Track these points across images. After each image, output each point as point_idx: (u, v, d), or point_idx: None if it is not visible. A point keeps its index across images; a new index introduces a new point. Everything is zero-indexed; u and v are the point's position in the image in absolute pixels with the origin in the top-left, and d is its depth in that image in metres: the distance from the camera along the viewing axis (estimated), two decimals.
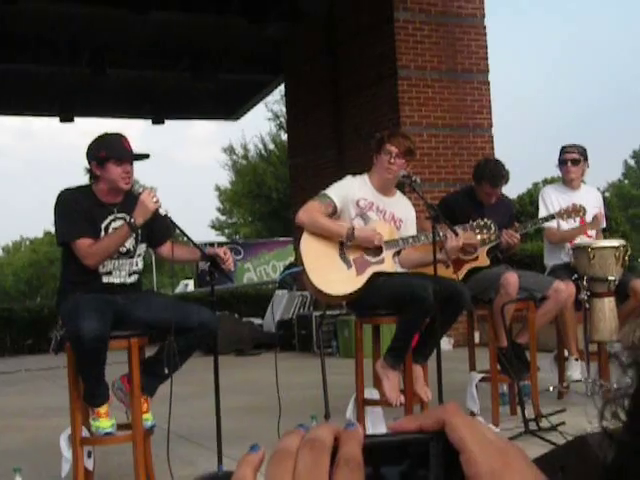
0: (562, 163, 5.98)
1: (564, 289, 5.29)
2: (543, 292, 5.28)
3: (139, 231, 4.15)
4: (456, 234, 4.52)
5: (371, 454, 0.55)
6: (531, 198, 25.29)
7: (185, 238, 4.28)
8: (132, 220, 3.91)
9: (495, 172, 5.37)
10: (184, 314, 3.95)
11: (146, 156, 4.17)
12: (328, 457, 0.54)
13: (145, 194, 3.92)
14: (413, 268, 4.80)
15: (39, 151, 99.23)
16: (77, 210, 4.06)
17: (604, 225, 6.17)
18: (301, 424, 0.59)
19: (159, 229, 4.26)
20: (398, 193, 4.81)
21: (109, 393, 3.98)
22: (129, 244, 4.13)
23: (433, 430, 0.56)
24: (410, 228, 4.78)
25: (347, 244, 4.51)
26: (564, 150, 5.99)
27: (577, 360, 5.54)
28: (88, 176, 4.15)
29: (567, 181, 6.00)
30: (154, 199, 3.91)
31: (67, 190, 4.17)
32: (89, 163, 4.09)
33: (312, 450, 0.54)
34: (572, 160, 5.93)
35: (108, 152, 4.01)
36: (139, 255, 4.22)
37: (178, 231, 4.21)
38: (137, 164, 4.15)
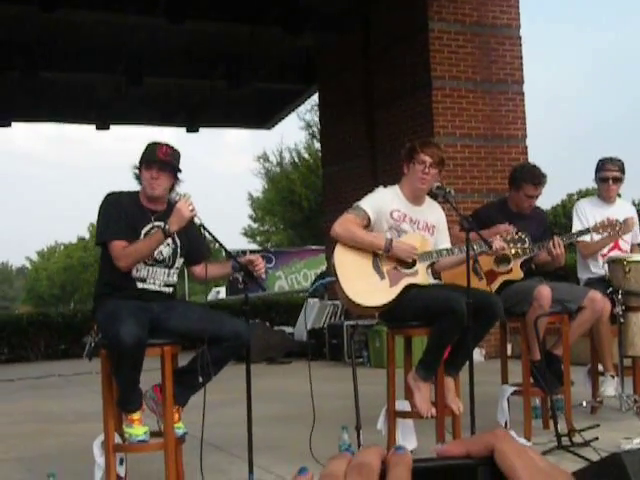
0: (603, 180, 5.86)
1: (600, 298, 5.22)
2: (578, 303, 5.23)
3: (179, 244, 4.20)
4: (490, 247, 4.50)
5: (420, 478, 0.54)
6: (565, 210, 25.11)
7: (218, 245, 4.31)
8: (167, 227, 3.95)
9: (535, 171, 5.35)
10: (218, 324, 3.98)
11: (171, 166, 4.15)
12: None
13: (182, 202, 3.96)
14: (451, 268, 4.78)
15: (74, 157, 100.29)
16: (118, 212, 4.13)
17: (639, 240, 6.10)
18: (347, 446, 0.59)
19: (198, 249, 4.29)
20: (427, 199, 4.78)
21: (142, 400, 4.01)
22: (166, 253, 4.17)
23: (481, 456, 0.56)
24: (443, 232, 4.77)
25: (381, 255, 4.50)
26: (605, 167, 5.85)
27: (613, 377, 5.47)
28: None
29: (605, 198, 5.92)
30: (190, 207, 3.95)
31: (114, 192, 4.27)
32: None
33: (360, 475, 0.54)
34: (614, 178, 5.84)
35: (142, 158, 4.14)
36: (176, 267, 4.25)
37: (211, 239, 4.25)
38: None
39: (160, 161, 4.09)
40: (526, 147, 11.24)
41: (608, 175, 5.84)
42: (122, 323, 3.78)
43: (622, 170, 5.87)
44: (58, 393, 8.97)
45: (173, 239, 4.20)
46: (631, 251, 5.90)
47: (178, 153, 4.22)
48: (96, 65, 13.72)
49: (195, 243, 4.28)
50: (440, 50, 10.83)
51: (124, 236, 4.06)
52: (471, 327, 4.24)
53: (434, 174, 4.62)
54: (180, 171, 4.21)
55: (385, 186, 4.78)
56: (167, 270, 4.20)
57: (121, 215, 4.12)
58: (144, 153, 4.15)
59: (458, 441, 0.57)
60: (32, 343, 14.23)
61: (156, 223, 4.13)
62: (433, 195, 4.78)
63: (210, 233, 4.14)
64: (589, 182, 6.16)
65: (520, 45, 11.33)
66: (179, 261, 4.26)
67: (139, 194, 4.22)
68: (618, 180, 5.85)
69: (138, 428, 3.93)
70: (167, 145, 4.17)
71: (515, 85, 11.23)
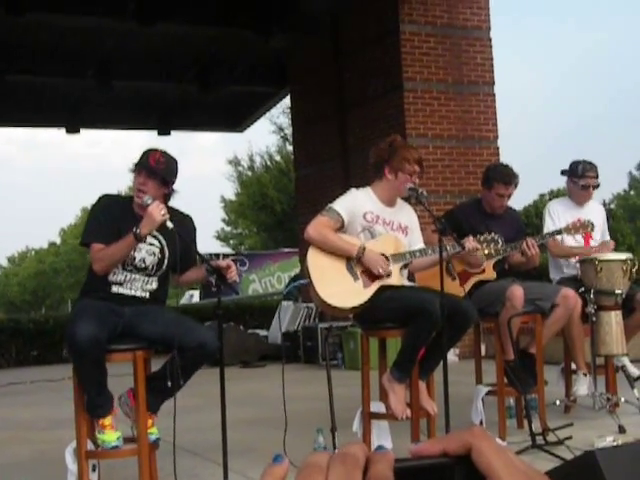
0: (584, 187, 5.88)
1: (572, 295, 5.26)
2: (551, 301, 5.26)
3: (167, 256, 4.16)
4: (462, 247, 4.51)
5: (399, 478, 0.53)
6: (537, 210, 25.30)
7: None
8: (138, 230, 3.91)
9: (507, 171, 5.38)
10: (184, 332, 3.91)
11: (161, 175, 4.10)
12: (361, 472, 0.53)
13: (153, 206, 3.92)
14: (425, 269, 4.78)
15: (44, 161, 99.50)
16: (105, 215, 4.11)
17: (608, 239, 6.15)
18: (323, 449, 0.58)
19: (187, 260, 4.20)
20: (399, 200, 4.78)
21: (112, 405, 3.97)
22: (149, 262, 4.13)
23: (457, 454, 0.55)
24: (416, 232, 4.77)
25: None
26: (585, 174, 5.86)
27: (585, 375, 5.51)
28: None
29: (581, 202, 5.96)
30: (162, 211, 3.91)
31: (107, 195, 4.27)
32: None
33: (344, 464, 0.53)
34: (594, 186, 5.90)
35: (136, 162, 4.09)
36: (157, 277, 4.20)
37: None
38: None
39: (149, 168, 4.04)
40: (498, 148, 11.31)
41: (590, 183, 5.88)
42: (80, 322, 3.77)
43: (598, 176, 5.93)
44: (29, 400, 8.88)
45: (162, 250, 4.16)
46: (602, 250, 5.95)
47: (174, 162, 4.15)
48: (65, 68, 13.63)
49: (184, 255, 4.14)
50: (411, 52, 10.87)
51: (105, 240, 4.03)
52: (445, 329, 4.24)
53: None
54: (172, 182, 4.15)
55: (357, 188, 4.77)
56: (147, 278, 4.17)
57: (107, 218, 4.09)
58: (139, 158, 4.10)
59: (434, 439, 0.56)
60: (3, 349, 14.08)
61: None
62: (406, 197, 4.78)
63: (181, 237, 4.11)
64: (560, 182, 6.21)
65: (491, 47, 11.41)
66: (162, 270, 4.22)
67: (132, 200, 4.17)
68: (597, 187, 5.92)
69: (110, 434, 3.89)
70: (162, 153, 4.11)
71: (486, 86, 11.30)
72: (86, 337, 3.71)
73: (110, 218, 4.09)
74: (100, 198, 4.22)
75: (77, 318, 3.82)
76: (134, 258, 4.08)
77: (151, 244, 4.13)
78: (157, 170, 4.05)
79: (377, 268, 4.44)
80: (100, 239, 4.04)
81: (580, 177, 5.90)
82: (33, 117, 16.15)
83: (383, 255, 4.50)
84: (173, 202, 4.30)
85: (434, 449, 0.55)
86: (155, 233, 4.11)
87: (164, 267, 4.20)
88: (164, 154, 4.11)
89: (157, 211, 3.90)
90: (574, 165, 5.96)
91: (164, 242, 4.17)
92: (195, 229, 4.35)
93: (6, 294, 53.45)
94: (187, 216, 4.32)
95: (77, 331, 3.72)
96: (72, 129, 16.01)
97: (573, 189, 5.98)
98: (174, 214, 4.05)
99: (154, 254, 4.15)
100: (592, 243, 5.90)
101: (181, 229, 4.04)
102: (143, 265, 4.13)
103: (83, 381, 3.88)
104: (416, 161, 4.62)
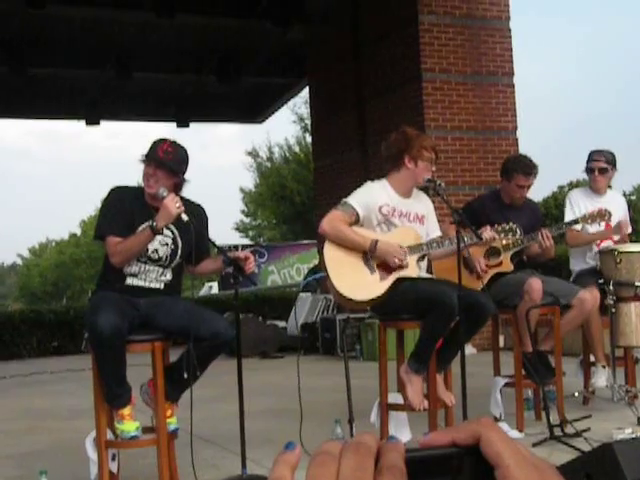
0: (590, 171, 5.92)
1: (589, 299, 5.23)
2: (568, 300, 5.24)
3: (180, 245, 4.18)
4: (480, 238, 4.50)
5: (409, 467, 0.54)
6: (556, 201, 25.15)
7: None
8: (154, 223, 3.92)
9: (526, 162, 5.37)
10: (198, 322, 3.92)
11: (169, 166, 4.10)
12: (373, 461, 0.54)
13: (169, 199, 3.93)
14: (444, 257, 4.78)
15: (64, 153, 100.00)
16: (117, 208, 4.11)
17: (630, 230, 6.12)
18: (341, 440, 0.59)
19: (201, 250, 4.22)
20: (414, 190, 4.77)
21: (131, 395, 4.00)
22: (163, 253, 4.15)
23: (466, 444, 0.56)
24: (432, 220, 4.77)
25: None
26: (592, 158, 5.91)
27: (604, 367, 5.48)
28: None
29: (594, 188, 5.95)
30: (177, 204, 3.92)
31: (119, 187, 4.25)
32: None
33: (357, 453, 0.54)
34: (599, 169, 5.87)
35: (144, 155, 4.09)
36: (172, 268, 4.22)
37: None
38: None
39: (157, 159, 4.05)
40: (517, 139, 11.25)
41: (594, 166, 5.89)
42: (101, 312, 3.79)
43: (610, 162, 5.89)
44: (50, 390, 8.95)
45: (174, 240, 4.18)
46: (622, 242, 5.91)
47: (183, 152, 4.14)
48: (85, 61, 13.69)
49: (199, 245, 4.16)
50: (430, 43, 10.82)
51: (120, 232, 4.04)
52: (462, 321, 4.24)
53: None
54: (181, 172, 4.14)
55: (373, 180, 4.77)
56: (161, 269, 4.18)
57: (120, 210, 4.10)
58: (148, 149, 4.10)
59: (443, 430, 0.57)
60: (24, 340, 14.19)
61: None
62: (424, 188, 4.78)
63: (196, 228, 4.12)
64: (580, 174, 6.18)
65: (510, 37, 11.33)
66: (177, 261, 4.23)
67: (144, 190, 4.17)
68: (604, 170, 5.88)
69: (129, 424, 3.92)
70: (171, 143, 4.10)
71: (505, 77, 11.23)
72: (108, 327, 3.74)
73: (123, 210, 4.10)
74: (111, 191, 4.21)
75: (98, 308, 3.84)
76: (147, 249, 4.09)
77: (164, 235, 4.14)
78: (165, 161, 4.05)
79: (392, 259, 4.43)
80: (115, 232, 4.05)
81: (587, 162, 5.93)
82: (53, 109, 16.25)
83: (400, 247, 4.50)
84: (194, 195, 4.32)
85: (443, 439, 0.56)
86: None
87: (177, 258, 4.21)
88: (172, 144, 4.10)
89: (173, 204, 3.91)
90: (588, 153, 5.98)
91: (176, 232, 4.18)
92: (207, 218, 4.36)
93: (27, 285, 53.77)
94: (199, 205, 4.33)
95: (99, 321, 3.75)
96: (92, 121, 16.08)
97: (588, 176, 6.00)
98: (186, 204, 4.05)
99: (167, 245, 4.17)
100: (615, 238, 5.85)
101: (194, 219, 4.05)
102: (157, 256, 4.14)
103: (103, 371, 3.90)
104: (432, 148, 4.66)
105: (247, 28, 13.20)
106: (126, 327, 3.86)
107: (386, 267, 4.50)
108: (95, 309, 3.86)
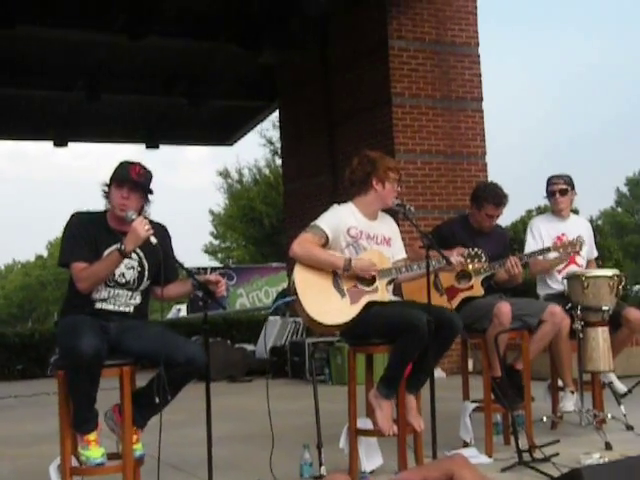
0: (550, 194, 6.00)
1: (559, 311, 5.28)
2: (538, 316, 5.27)
3: (146, 267, 4.14)
4: (449, 263, 4.51)
5: None
6: (524, 226, 25.36)
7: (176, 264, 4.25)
8: (122, 247, 3.89)
9: (497, 192, 5.41)
10: (172, 347, 3.87)
11: (144, 186, 4.09)
12: None
13: (137, 222, 3.90)
14: (411, 280, 4.79)
15: (31, 174, 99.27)
16: (80, 233, 4.06)
17: (595, 254, 6.18)
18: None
19: (168, 272, 4.19)
20: (379, 212, 4.79)
21: (98, 420, 3.94)
22: (130, 276, 4.11)
23: None
24: (398, 241, 4.80)
25: (341, 273, 4.48)
26: (551, 181, 6.01)
27: (572, 392, 5.50)
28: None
29: (556, 211, 6.02)
30: (146, 226, 3.89)
31: (78, 213, 4.18)
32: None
33: None
34: (560, 191, 5.95)
35: (112, 176, 4.05)
36: (141, 290, 4.19)
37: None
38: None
39: (132, 181, 4.01)
40: (485, 164, 11.34)
41: (554, 189, 5.97)
42: (82, 335, 3.73)
43: (568, 183, 5.97)
44: (14, 415, 8.81)
45: (140, 263, 4.14)
46: (587, 266, 5.97)
47: (150, 174, 4.12)
48: (54, 81, 13.60)
49: (165, 266, 4.13)
50: (400, 67, 10.90)
51: (85, 258, 4.00)
52: (432, 344, 4.23)
53: None
54: (151, 192, 4.13)
55: (339, 203, 4.77)
56: (130, 292, 4.14)
57: (83, 236, 4.05)
58: (116, 171, 4.05)
59: (416, 468, 0.56)
60: None
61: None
62: (393, 212, 4.79)
63: (166, 250, 4.08)
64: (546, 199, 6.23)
65: (479, 63, 11.44)
66: (145, 284, 4.19)
67: (106, 214, 4.13)
68: (564, 192, 5.95)
69: (95, 450, 3.86)
70: (140, 165, 4.08)
71: (474, 102, 11.33)
72: (91, 350, 3.67)
73: (86, 235, 4.05)
74: (72, 217, 4.14)
75: (77, 331, 3.77)
76: (114, 274, 4.05)
77: (130, 258, 4.10)
78: (139, 182, 4.03)
79: (369, 272, 4.44)
80: (80, 258, 4.00)
81: (547, 186, 6.01)
82: (21, 130, 16.10)
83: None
84: (163, 217, 4.29)
85: (417, 477, 0.55)
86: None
87: (145, 280, 4.18)
88: (143, 166, 4.09)
89: (142, 227, 3.88)
90: (547, 179, 6.05)
91: (142, 254, 4.14)
92: (170, 238, 4.32)
93: None
94: (162, 226, 4.29)
95: (81, 344, 3.68)
96: (60, 142, 15.98)
97: (549, 201, 6.07)
98: (151, 226, 4.03)
99: (133, 268, 4.13)
100: (578, 259, 5.90)
101: (160, 241, 4.02)
102: (124, 280, 4.10)
103: (76, 396, 3.84)
104: (396, 168, 4.74)
105: (217, 51, 13.21)
106: (105, 350, 3.81)
107: (356, 292, 4.50)
108: (74, 332, 3.79)
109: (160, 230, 4.19)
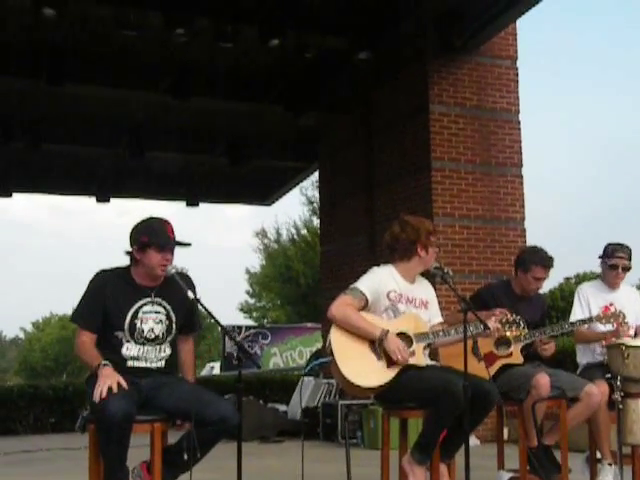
0: (612, 267, 5.80)
1: (597, 393, 5.16)
2: (575, 393, 5.17)
3: (174, 319, 4.18)
4: (488, 328, 4.46)
5: None
6: (562, 293, 25.06)
7: (213, 321, 4.25)
8: (103, 367, 3.85)
9: (544, 254, 5.38)
10: (205, 405, 3.86)
11: (188, 244, 4.15)
12: None
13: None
14: (449, 345, 4.75)
15: (72, 228, 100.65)
16: (98, 298, 4.06)
17: None
18: None
19: (189, 321, 4.25)
20: (417, 275, 4.78)
21: (129, 478, 3.91)
22: (159, 331, 4.13)
23: None
24: (434, 305, 4.78)
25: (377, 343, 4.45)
26: (615, 254, 5.79)
27: (610, 465, 5.36)
28: (129, 257, 4.16)
29: (612, 284, 5.87)
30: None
31: (103, 271, 4.17)
32: (131, 246, 4.10)
33: None
34: (623, 267, 5.78)
35: (151, 238, 4.03)
36: (168, 342, 4.20)
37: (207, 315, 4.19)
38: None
39: (174, 243, 4.07)
40: (524, 229, 11.27)
41: (618, 263, 5.78)
42: (112, 396, 3.70)
43: (631, 258, 5.84)
44: (46, 468, 8.78)
45: (168, 315, 4.15)
46: (636, 334, 5.79)
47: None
48: (98, 138, 13.88)
49: (191, 317, 4.25)
50: (440, 132, 10.95)
51: (92, 329, 4.03)
52: (467, 411, 4.16)
53: None
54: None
55: (379, 266, 4.76)
56: (159, 346, 4.15)
57: (100, 301, 4.05)
58: (151, 233, 4.03)
59: None
60: (21, 416, 14.01)
61: (155, 299, 4.10)
62: (431, 275, 4.77)
63: (205, 308, 4.09)
64: (587, 266, 6.13)
65: (519, 129, 11.46)
66: (173, 335, 4.21)
67: (130, 270, 4.14)
68: (627, 269, 5.82)
69: None
70: (169, 222, 4.12)
71: (514, 168, 11.33)
72: (120, 412, 3.65)
73: (100, 299, 4.05)
74: (95, 275, 4.14)
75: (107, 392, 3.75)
76: (143, 330, 4.07)
77: (157, 312, 4.12)
78: (177, 242, 4.10)
79: (396, 355, 4.39)
80: (88, 327, 4.04)
81: (609, 257, 5.84)
82: (65, 185, 16.40)
83: (406, 335, 4.46)
84: (200, 274, 4.32)
85: None
86: (158, 299, 4.11)
87: (173, 332, 4.20)
88: (170, 223, 4.13)
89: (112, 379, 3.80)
90: (606, 246, 5.90)
91: (169, 307, 4.16)
92: (194, 286, 4.27)
93: (28, 359, 53.42)
94: (187, 275, 4.27)
95: (110, 407, 3.65)
96: (102, 198, 16.21)
97: (604, 270, 5.90)
98: (175, 278, 4.07)
99: (161, 322, 4.14)
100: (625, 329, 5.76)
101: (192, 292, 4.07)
102: (153, 335, 4.12)
103: (107, 456, 3.80)
104: (436, 232, 4.80)
105: (260, 112, 13.40)
106: (135, 412, 3.79)
107: None
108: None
109: (186, 280, 4.20)
